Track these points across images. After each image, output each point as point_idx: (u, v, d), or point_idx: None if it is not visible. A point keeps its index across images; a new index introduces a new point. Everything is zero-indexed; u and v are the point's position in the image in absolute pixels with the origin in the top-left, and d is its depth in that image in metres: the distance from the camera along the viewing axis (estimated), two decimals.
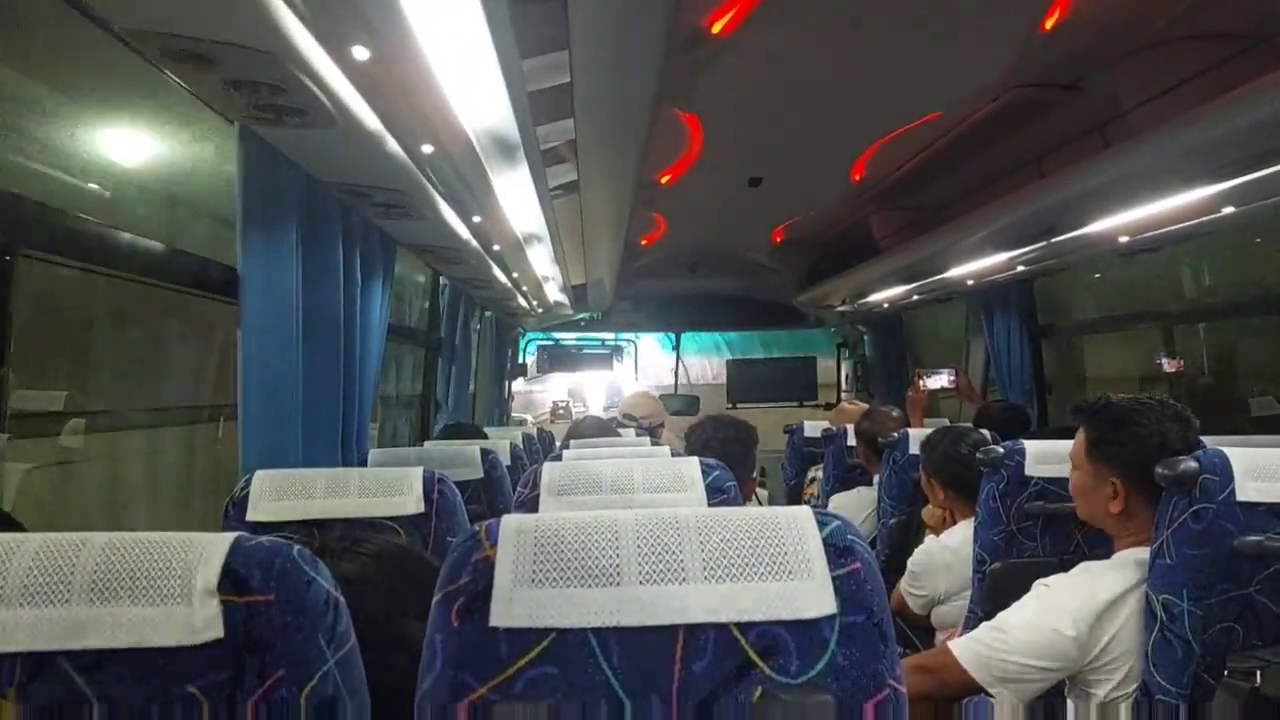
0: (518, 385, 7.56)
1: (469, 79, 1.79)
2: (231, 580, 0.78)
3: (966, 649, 1.67)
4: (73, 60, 2.03)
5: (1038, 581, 1.74)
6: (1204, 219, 2.84)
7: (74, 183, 2.20)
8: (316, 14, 1.45)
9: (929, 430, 2.98)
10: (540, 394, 8.18)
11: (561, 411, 7.56)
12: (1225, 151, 2.31)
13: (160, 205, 2.63)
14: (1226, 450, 1.57)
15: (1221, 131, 2.19)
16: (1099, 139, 2.89)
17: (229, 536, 0.81)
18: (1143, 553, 1.67)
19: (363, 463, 2.55)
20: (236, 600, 0.78)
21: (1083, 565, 1.75)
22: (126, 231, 1.90)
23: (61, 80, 2.12)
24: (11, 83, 2.00)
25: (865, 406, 4.97)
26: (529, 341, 7.80)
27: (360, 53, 1.57)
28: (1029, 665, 1.63)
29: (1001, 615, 1.72)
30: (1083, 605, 1.64)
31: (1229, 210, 2.71)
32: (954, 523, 2.68)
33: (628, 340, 8.06)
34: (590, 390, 7.91)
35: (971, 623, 2.25)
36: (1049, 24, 2.46)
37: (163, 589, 0.78)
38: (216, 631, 0.77)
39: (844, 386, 8.00)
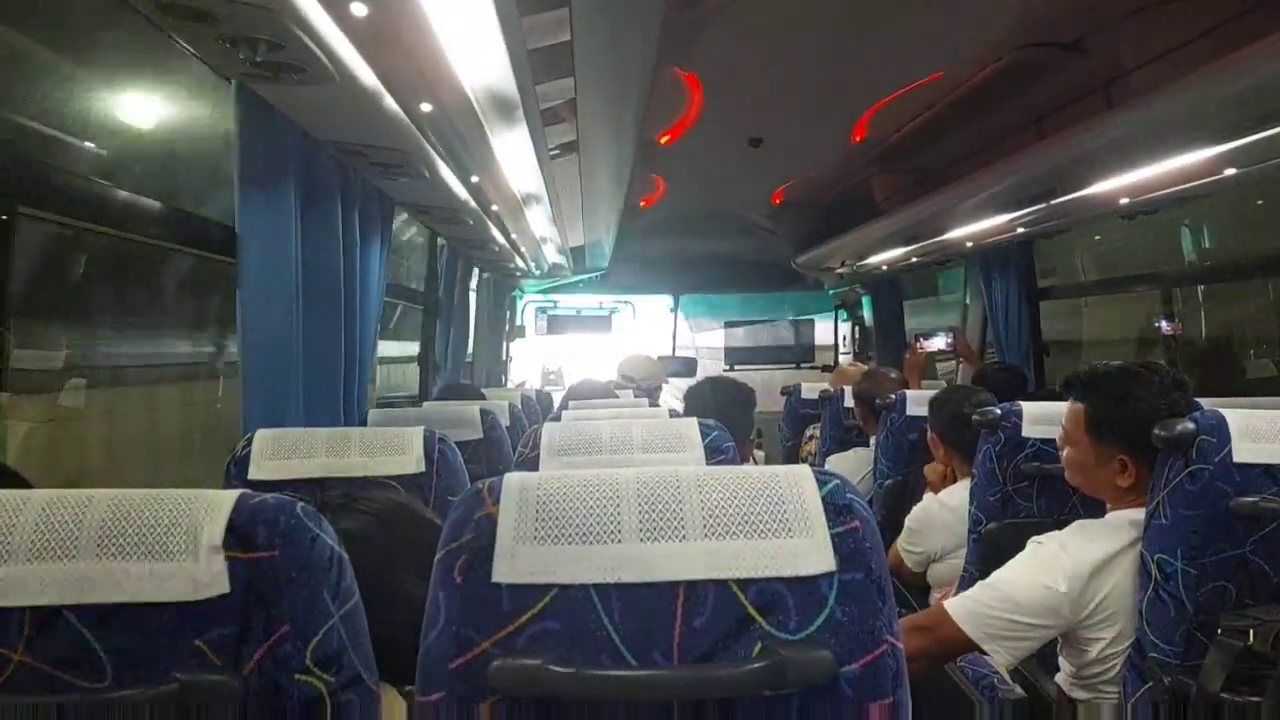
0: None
1: (468, 36, 1.76)
2: (237, 536, 0.79)
3: (961, 607, 1.68)
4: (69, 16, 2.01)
5: (1032, 539, 1.74)
6: (1206, 181, 2.83)
7: (73, 141, 2.19)
8: None
9: (927, 392, 2.99)
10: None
11: (553, 377, 7.50)
12: (1228, 113, 2.29)
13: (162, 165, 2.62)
14: (1224, 411, 1.58)
15: (1225, 92, 2.17)
16: (1102, 100, 2.87)
17: (234, 493, 0.81)
18: (1137, 513, 1.68)
19: (362, 422, 2.56)
20: (242, 556, 0.79)
21: (1077, 523, 1.76)
22: (124, 190, 1.90)
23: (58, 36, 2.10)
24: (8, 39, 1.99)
25: (865, 368, 4.98)
26: (527, 304, 7.76)
27: (359, 8, 1.55)
28: (1022, 622, 1.64)
29: (996, 574, 1.73)
30: (1076, 563, 1.66)
31: (1231, 172, 2.70)
32: (954, 481, 2.69)
33: (624, 302, 8.02)
34: (582, 354, 7.81)
35: (966, 582, 2.27)
36: None
37: (169, 545, 0.78)
38: (222, 587, 0.78)
39: (842, 349, 8.01)
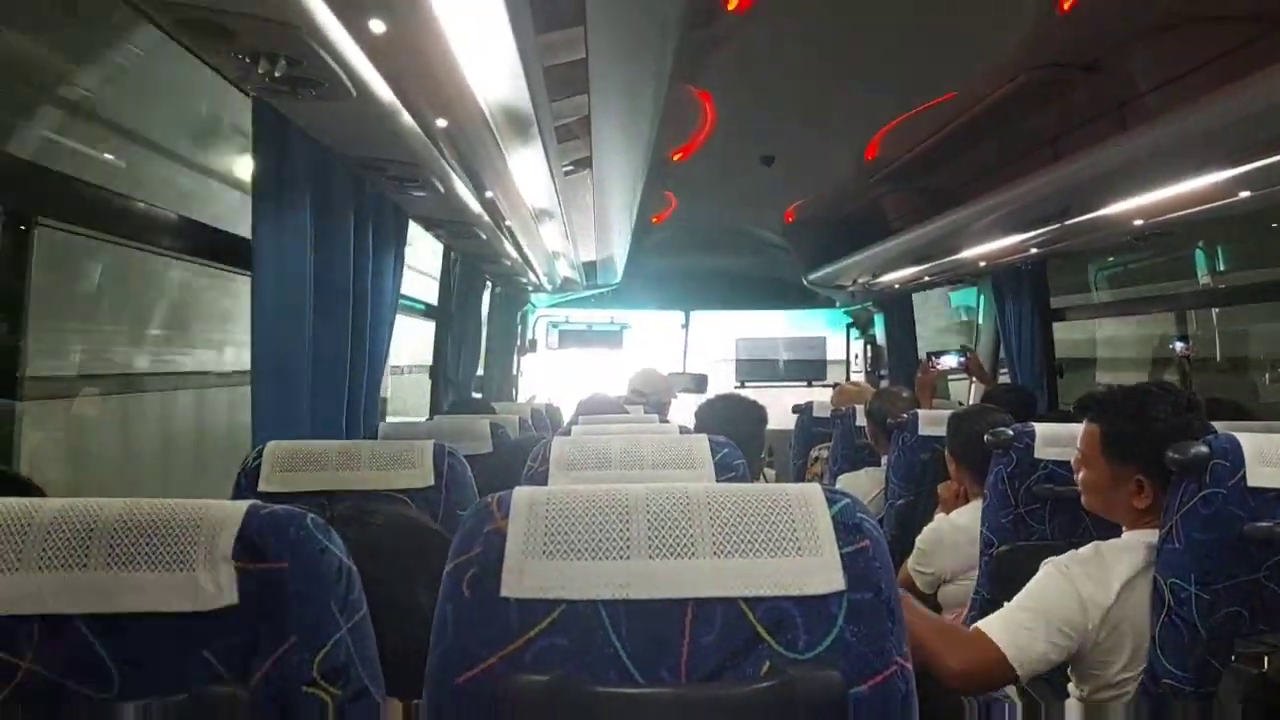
0: None
1: (484, 53, 1.78)
2: (246, 547, 0.79)
3: (1004, 631, 1.63)
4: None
5: (1050, 559, 1.72)
6: (1220, 203, 2.82)
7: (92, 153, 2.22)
8: None
9: (939, 411, 2.98)
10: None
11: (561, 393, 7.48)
12: (1242, 136, 2.29)
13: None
14: (1238, 435, 1.57)
15: (1239, 115, 2.17)
16: (1116, 121, 2.86)
17: (244, 504, 0.82)
18: (1153, 534, 1.66)
19: (372, 435, 2.56)
20: (251, 567, 0.79)
21: (1095, 545, 1.74)
22: (142, 201, 1.91)
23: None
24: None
25: (864, 385, 4.96)
26: (539, 319, 7.76)
27: (377, 25, 1.56)
28: (1054, 645, 1.61)
29: (1024, 597, 1.71)
30: (1098, 584, 1.64)
31: (1245, 195, 2.69)
32: (965, 501, 2.68)
33: (635, 317, 7.99)
34: (592, 368, 7.79)
35: (977, 605, 2.25)
36: (1067, 4, 2.44)
37: (179, 555, 0.79)
38: (231, 598, 0.78)
39: (854, 367, 7.99)
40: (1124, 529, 1.79)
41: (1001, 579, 2.13)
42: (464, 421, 2.52)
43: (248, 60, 1.65)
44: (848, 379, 7.68)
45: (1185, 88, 2.48)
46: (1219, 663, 1.52)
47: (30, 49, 2.02)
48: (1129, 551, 1.70)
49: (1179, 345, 4.71)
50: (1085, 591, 1.63)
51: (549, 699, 0.77)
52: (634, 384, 4.43)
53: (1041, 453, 2.23)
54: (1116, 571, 1.66)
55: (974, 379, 5.18)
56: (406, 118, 2.07)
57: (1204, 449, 1.56)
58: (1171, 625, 1.56)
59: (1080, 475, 1.88)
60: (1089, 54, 2.80)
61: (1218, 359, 4.76)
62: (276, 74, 1.68)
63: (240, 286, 2.23)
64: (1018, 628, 1.63)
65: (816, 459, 4.46)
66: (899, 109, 3.48)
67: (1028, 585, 1.71)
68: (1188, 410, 1.73)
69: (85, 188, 1.78)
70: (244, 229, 2.15)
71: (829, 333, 8.20)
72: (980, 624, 1.68)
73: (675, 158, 4.14)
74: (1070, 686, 1.77)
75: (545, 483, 1.49)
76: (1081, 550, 1.72)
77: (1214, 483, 1.54)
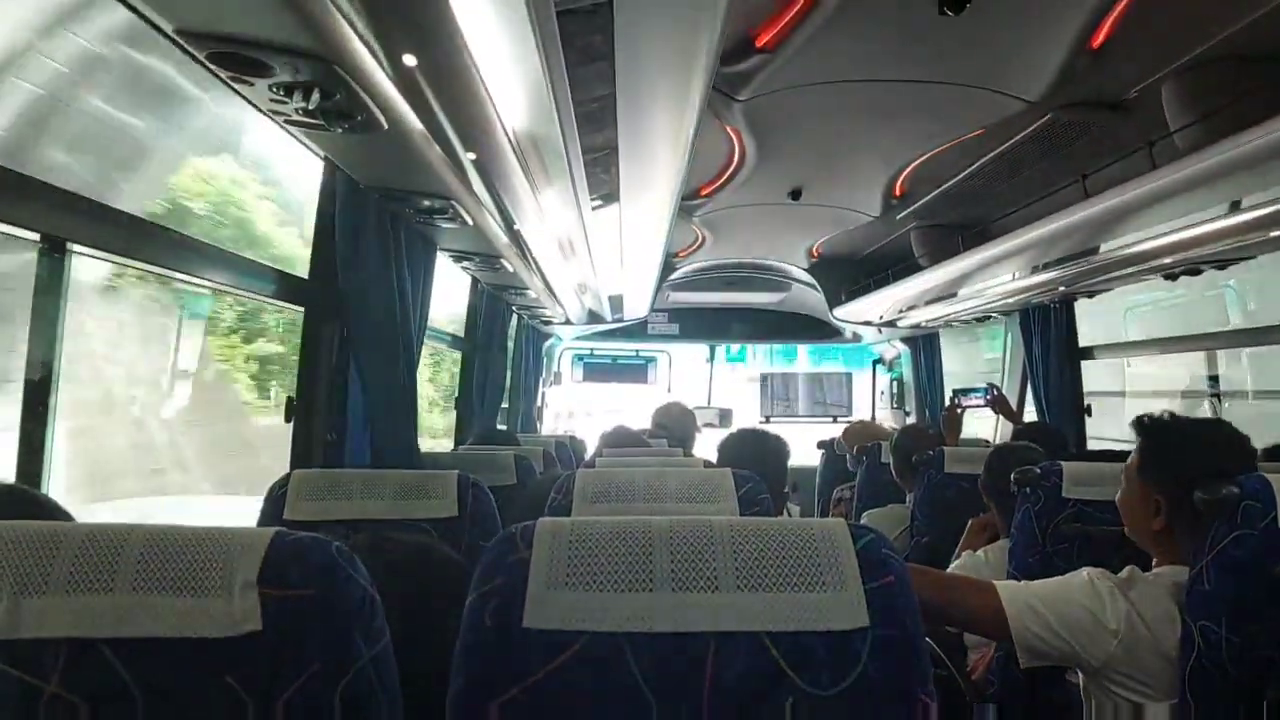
0: None
1: (515, 87, 1.80)
2: (272, 574, 0.79)
3: (1014, 601, 1.66)
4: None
5: (1089, 569, 1.70)
6: (1252, 241, 2.79)
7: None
8: (370, 21, 1.47)
9: (965, 449, 2.95)
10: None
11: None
12: (1274, 173, 2.27)
13: None
14: (1270, 476, 1.54)
15: (1271, 152, 2.15)
16: (1146, 159, 2.85)
17: (269, 531, 0.82)
18: (1182, 572, 1.64)
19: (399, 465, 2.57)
20: (275, 594, 0.79)
21: (1131, 569, 1.72)
22: (175, 230, 1.94)
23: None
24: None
25: (871, 423, 4.94)
26: (564, 350, 7.78)
27: (410, 59, 1.58)
28: (1048, 641, 1.62)
29: (1048, 584, 1.70)
30: (1119, 609, 1.62)
31: (1276, 233, 2.67)
32: (993, 538, 2.65)
33: (660, 351, 8.00)
34: (615, 401, 7.79)
35: (1003, 645, 2.22)
36: (1097, 42, 2.44)
37: (204, 581, 0.79)
38: (255, 624, 0.78)
39: (879, 404, 7.94)
40: (1154, 561, 1.77)
41: None
42: (488, 453, 2.52)
43: (282, 92, 1.67)
44: (873, 416, 7.64)
45: (1215, 125, 2.47)
46: (1249, 708, 1.49)
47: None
48: (1156, 586, 1.67)
49: (1209, 385, 4.65)
50: (1107, 610, 1.61)
51: None
52: (657, 418, 4.42)
53: (1070, 492, 2.21)
54: (1151, 600, 1.64)
55: (1001, 417, 5.13)
56: (437, 150, 2.10)
57: (1234, 489, 1.53)
58: (1201, 669, 1.53)
59: (1118, 495, 1.87)
60: (1119, 91, 2.80)
61: (1249, 398, 4.69)
62: (310, 106, 1.70)
63: None
64: (1026, 605, 1.65)
65: (840, 500, 4.43)
66: (928, 144, 3.49)
67: (1058, 577, 1.72)
68: (1229, 447, 1.70)
69: (118, 214, 1.80)
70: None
71: (855, 369, 8.16)
72: (999, 584, 1.70)
73: (703, 192, 4.16)
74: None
75: (569, 515, 1.49)
76: (1120, 573, 1.70)
77: (1245, 524, 1.51)
